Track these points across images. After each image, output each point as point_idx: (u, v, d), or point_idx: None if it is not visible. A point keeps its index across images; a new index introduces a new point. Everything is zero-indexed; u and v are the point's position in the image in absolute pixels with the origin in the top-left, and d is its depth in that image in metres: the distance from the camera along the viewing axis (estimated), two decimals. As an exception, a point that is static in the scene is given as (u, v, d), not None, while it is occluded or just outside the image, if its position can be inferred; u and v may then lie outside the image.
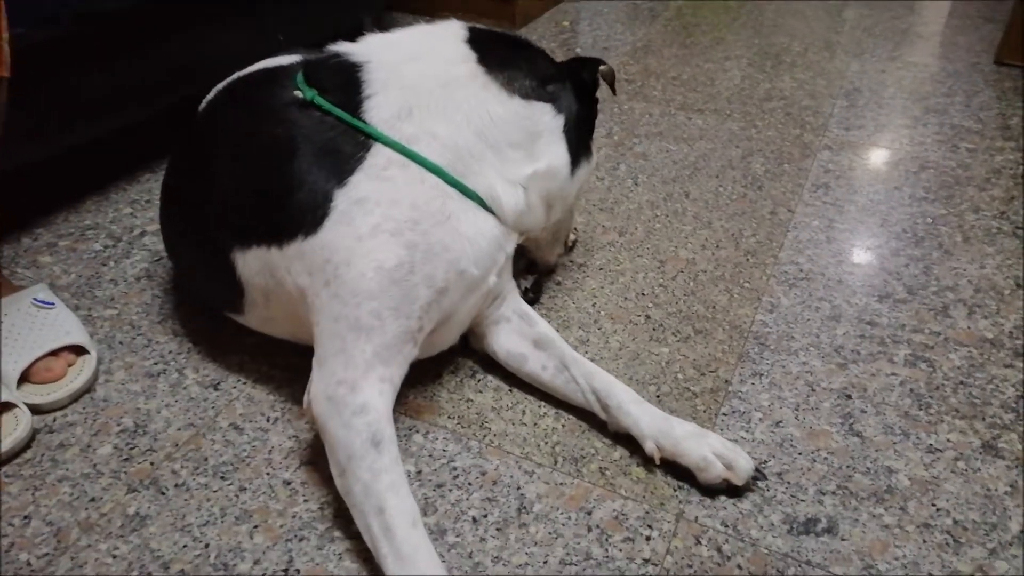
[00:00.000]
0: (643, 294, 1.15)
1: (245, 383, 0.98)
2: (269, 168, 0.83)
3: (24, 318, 0.98)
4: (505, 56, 0.91)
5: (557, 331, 0.99)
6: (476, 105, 0.86)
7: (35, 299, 1.01)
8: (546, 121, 0.92)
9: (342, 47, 0.90)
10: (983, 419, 0.94)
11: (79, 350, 0.98)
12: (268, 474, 0.86)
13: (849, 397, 0.97)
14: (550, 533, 0.80)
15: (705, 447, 0.83)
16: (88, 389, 0.96)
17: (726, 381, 0.99)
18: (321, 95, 0.83)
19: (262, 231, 0.84)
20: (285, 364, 0.99)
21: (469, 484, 0.85)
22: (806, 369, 1.01)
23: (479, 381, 0.99)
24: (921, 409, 0.95)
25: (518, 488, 0.85)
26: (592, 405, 0.90)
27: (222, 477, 0.86)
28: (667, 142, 1.57)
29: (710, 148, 1.55)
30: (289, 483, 0.85)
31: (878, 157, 1.51)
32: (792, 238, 1.27)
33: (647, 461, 0.86)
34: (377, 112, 0.82)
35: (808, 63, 1.93)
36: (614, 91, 1.04)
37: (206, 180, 0.91)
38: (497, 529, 0.80)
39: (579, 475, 0.86)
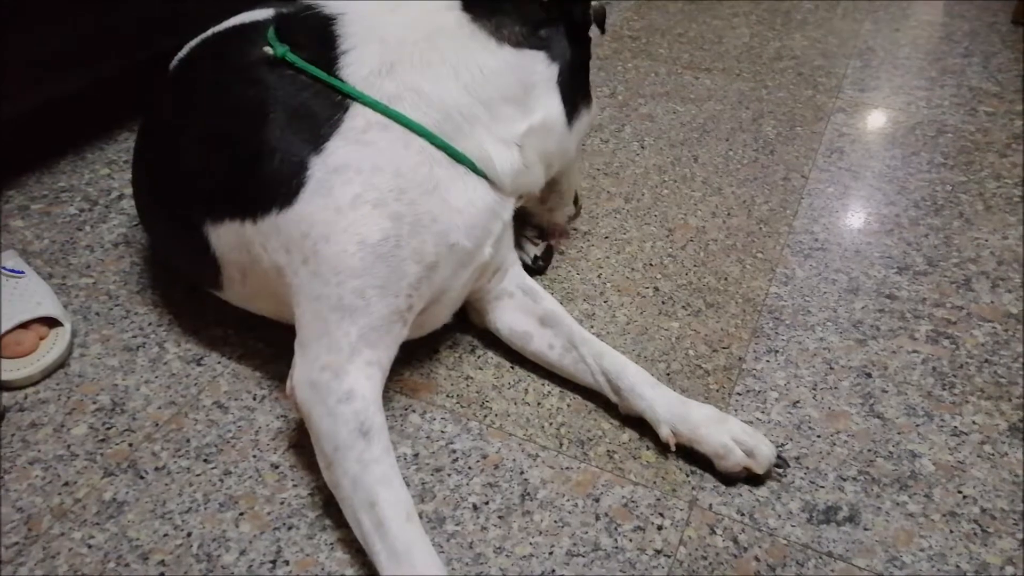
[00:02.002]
0: (651, 264, 1.09)
1: (230, 358, 0.92)
2: (239, 134, 0.76)
3: (-8, 287, 0.92)
4: (491, 1, 0.83)
5: (561, 300, 0.93)
6: (464, 57, 0.78)
7: (3, 267, 0.94)
8: (540, 71, 0.84)
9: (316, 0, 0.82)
10: (1009, 400, 0.89)
11: (52, 322, 0.92)
12: (255, 457, 0.81)
13: (869, 376, 0.92)
14: (556, 522, 0.75)
15: (724, 433, 0.78)
16: (62, 364, 0.90)
17: (740, 358, 0.94)
18: (293, 51, 0.76)
19: (234, 204, 0.77)
20: (272, 338, 0.93)
21: (469, 468, 0.80)
22: (823, 345, 0.96)
23: (479, 357, 0.93)
24: (945, 389, 0.90)
25: (521, 473, 0.80)
26: (602, 387, 0.84)
27: (205, 460, 0.80)
28: (674, 103, 1.50)
29: (719, 110, 1.48)
30: (277, 467, 0.80)
31: (894, 121, 1.45)
32: (806, 205, 1.21)
33: (658, 444, 0.82)
34: (355, 68, 0.75)
35: (819, 21, 1.85)
36: (603, 30, 0.95)
37: (175, 146, 0.84)
38: (499, 517, 0.75)
39: (586, 459, 0.81)
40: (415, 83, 0.76)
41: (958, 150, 1.36)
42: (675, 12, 1.88)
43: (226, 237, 0.80)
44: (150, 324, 0.97)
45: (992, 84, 1.58)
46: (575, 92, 0.90)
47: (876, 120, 1.45)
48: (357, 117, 0.74)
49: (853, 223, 1.18)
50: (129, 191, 1.21)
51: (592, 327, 0.98)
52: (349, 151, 0.72)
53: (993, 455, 0.82)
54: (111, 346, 0.93)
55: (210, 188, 0.79)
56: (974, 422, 0.86)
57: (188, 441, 0.82)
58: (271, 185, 0.73)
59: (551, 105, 0.85)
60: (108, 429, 0.83)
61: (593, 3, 0.92)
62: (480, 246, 0.81)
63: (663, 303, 1.02)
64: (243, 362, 0.92)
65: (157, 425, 0.84)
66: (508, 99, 0.81)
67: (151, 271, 1.05)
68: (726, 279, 1.06)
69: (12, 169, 1.24)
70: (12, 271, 0.94)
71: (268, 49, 0.76)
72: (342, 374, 0.71)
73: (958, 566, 0.72)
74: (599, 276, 1.07)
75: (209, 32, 0.92)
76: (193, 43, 0.93)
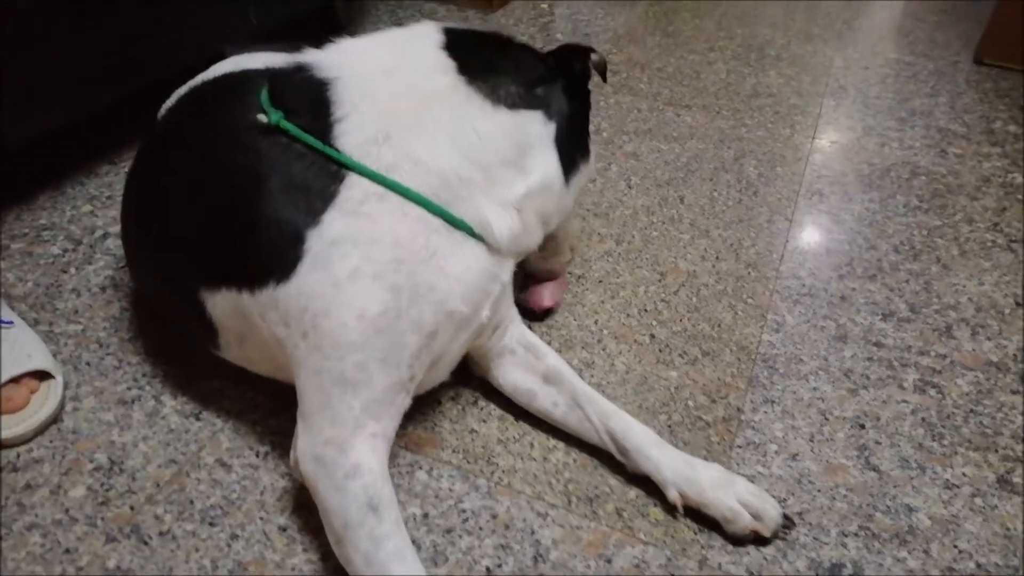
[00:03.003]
0: (646, 310, 1.10)
1: (229, 412, 0.91)
2: (233, 204, 0.75)
3: (-21, 340, 0.89)
4: (486, 61, 0.83)
5: (559, 351, 0.94)
6: (460, 122, 0.78)
7: (-8, 319, 0.91)
8: (537, 131, 0.84)
9: (309, 57, 0.81)
10: (996, 451, 0.92)
11: (42, 375, 0.89)
12: (262, 519, 0.79)
13: (863, 427, 0.95)
14: (570, 584, 0.75)
15: (731, 497, 0.79)
16: (55, 419, 0.88)
17: (738, 409, 0.96)
18: (288, 118, 0.75)
19: (231, 275, 0.76)
20: (272, 390, 0.92)
21: (480, 529, 0.80)
22: (817, 395, 0.98)
23: (482, 409, 0.93)
24: (935, 440, 0.94)
25: (532, 533, 0.80)
26: (608, 446, 0.85)
27: (211, 523, 0.79)
28: (657, 140, 1.52)
29: (701, 148, 1.50)
30: (285, 529, 0.79)
31: (869, 162, 1.49)
32: (792, 249, 1.24)
33: (665, 501, 0.83)
34: (350, 137, 0.74)
35: (792, 57, 1.90)
36: (605, 79, 0.95)
37: (166, 206, 0.83)
38: (513, 581, 0.75)
39: (595, 517, 0.82)
40: (412, 151, 0.75)
41: (932, 193, 1.41)
42: (653, 47, 1.91)
43: (223, 304, 0.79)
44: (144, 375, 0.95)
45: (959, 125, 1.64)
46: (573, 148, 0.90)
47: (852, 162, 1.49)
48: (354, 188, 0.73)
49: (837, 268, 1.21)
50: (114, 229, 1.18)
51: (592, 376, 0.99)
52: (346, 223, 0.72)
53: (984, 508, 0.86)
54: (105, 399, 0.91)
55: (206, 256, 0.78)
56: (964, 474, 0.90)
57: (192, 503, 0.80)
58: (268, 258, 0.73)
59: (549, 165, 0.85)
60: (108, 491, 0.81)
61: (593, 56, 0.92)
62: (478, 310, 0.81)
63: (660, 351, 1.04)
64: (243, 416, 0.90)
65: (158, 486, 0.82)
66: (505, 162, 0.81)
67: (141, 317, 1.03)
68: (719, 326, 1.08)
69: (-12, 205, 1.20)
70: (5, 323, 0.91)
71: (262, 117, 0.75)
72: (347, 448, 0.70)
73: (958, 622, 0.74)
74: (595, 322, 1.08)
75: (198, 80, 0.91)
76: (182, 91, 0.91)
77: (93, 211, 1.22)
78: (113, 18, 1.15)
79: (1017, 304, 1.16)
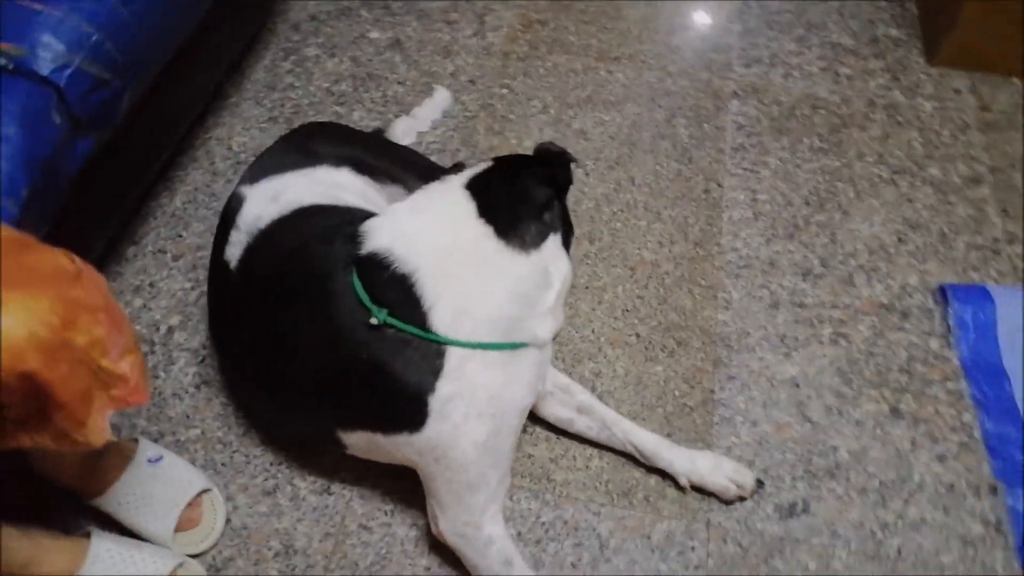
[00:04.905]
0: (627, 310, 1.41)
1: (350, 482, 1.20)
2: (366, 380, 0.99)
3: (147, 480, 1.13)
4: (508, 209, 1.04)
5: (572, 367, 1.26)
6: (508, 277, 1.02)
7: (148, 459, 1.15)
8: (552, 250, 1.08)
9: (384, 242, 1.01)
10: (888, 386, 1.32)
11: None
12: (410, 564, 1.13)
13: (798, 386, 1.32)
14: (628, 561, 1.14)
15: (721, 476, 1.17)
16: (226, 522, 1.16)
17: (711, 391, 1.31)
18: (391, 313, 0.98)
19: (368, 423, 1.03)
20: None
21: (559, 535, 1.16)
22: (764, 364, 1.34)
23: (531, 435, 1.26)
24: (846, 385, 1.32)
25: (594, 529, 1.17)
26: (632, 452, 1.20)
27: (377, 577, 1.12)
28: (598, 110, 1.72)
29: (637, 113, 1.72)
30: (429, 568, 1.13)
31: (777, 101, 1.74)
32: (727, 219, 1.54)
33: (676, 484, 1.19)
34: (440, 320, 0.98)
35: (697, -30, 2.03)
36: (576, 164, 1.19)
37: (296, 369, 1.06)
38: (592, 569, 1.13)
39: (631, 506, 1.19)
40: (484, 315, 1.00)
41: (830, 129, 1.69)
42: (570, -19, 2.01)
43: (357, 438, 1.06)
44: (271, 464, 1.22)
45: (848, 37, 1.88)
46: (568, 235, 1.15)
47: (765, 104, 1.74)
48: (452, 357, 0.98)
49: (764, 232, 1.52)
50: (174, 321, 1.37)
51: (602, 385, 1.31)
52: (454, 385, 0.98)
53: (883, 436, 1.26)
54: (252, 494, 1.19)
55: (345, 411, 1.04)
56: (868, 411, 1.29)
57: (357, 564, 1.13)
58: (400, 418, 1.00)
59: (564, 266, 1.11)
60: (294, 570, 1.12)
61: (572, 163, 1.15)
62: (538, 391, 1.11)
63: (646, 348, 1.36)
64: (362, 483, 1.20)
65: (327, 557, 1.14)
66: (539, 286, 1.06)
67: (238, 408, 1.27)
68: (684, 313, 1.41)
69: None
70: (154, 459, 1.15)
71: (373, 320, 0.98)
72: (480, 527, 1.03)
73: (871, 529, 1.17)
74: (593, 331, 1.38)
75: (288, 213, 1.12)
76: (272, 216, 1.13)
77: (145, 304, 1.40)
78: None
79: (900, 240, 1.51)
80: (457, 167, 1.17)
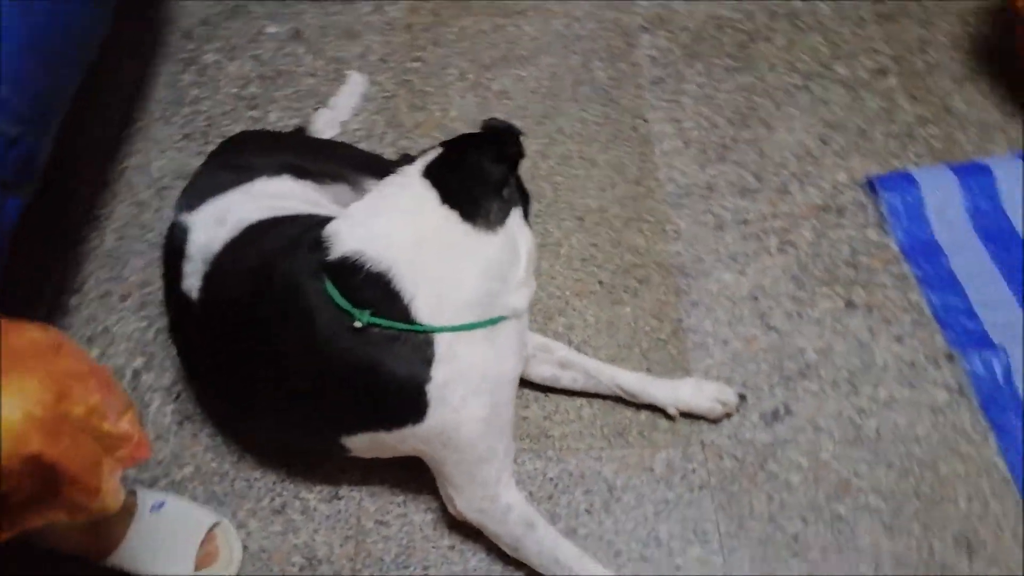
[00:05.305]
0: (584, 259, 1.44)
1: (356, 483, 1.22)
2: (357, 386, 1.00)
3: (156, 528, 1.12)
4: (469, 192, 1.05)
5: (545, 324, 1.30)
6: (480, 258, 1.04)
7: (151, 507, 1.14)
8: (515, 223, 1.10)
9: (352, 244, 1.01)
10: (838, 282, 1.40)
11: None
12: (434, 548, 1.16)
13: (756, 299, 1.38)
14: (637, 496, 1.19)
15: (705, 398, 1.23)
16: (243, 549, 1.17)
17: (679, 320, 1.36)
18: (373, 313, 0.98)
19: (370, 424, 1.04)
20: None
21: (568, 487, 1.21)
22: (722, 285, 1.40)
23: (521, 398, 1.29)
24: (800, 289, 1.39)
25: (599, 474, 1.21)
26: (619, 394, 1.25)
27: (404, 567, 1.15)
28: (514, 67, 1.73)
29: (553, 63, 1.73)
30: (453, 547, 1.16)
31: (683, 27, 1.78)
32: (659, 152, 1.58)
33: (666, 414, 1.25)
34: (423, 310, 0.99)
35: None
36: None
37: (267, 381, 1.06)
38: (605, 511, 1.18)
39: (629, 444, 1.24)
40: (462, 298, 1.01)
41: (738, 46, 1.74)
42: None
43: (360, 440, 1.07)
44: (274, 483, 1.22)
45: (736, -49, 1.91)
46: (526, 206, 1.17)
47: (673, 33, 1.77)
48: (441, 343, 1.00)
49: (697, 158, 1.56)
50: (137, 363, 1.34)
51: (577, 337, 1.35)
52: (447, 369, 1.00)
53: (842, 330, 1.34)
54: (262, 516, 1.20)
55: (344, 415, 1.05)
56: (825, 308, 1.37)
57: (382, 560, 1.15)
58: (401, 411, 1.01)
59: (528, 237, 1.13)
60: (324, 579, 1.14)
61: (520, 136, 1.16)
62: (525, 356, 1.14)
63: (610, 293, 1.40)
64: (369, 481, 1.22)
65: (351, 559, 1.16)
66: (510, 262, 1.08)
67: (226, 435, 1.26)
68: (639, 251, 1.45)
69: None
70: (157, 506, 1.14)
71: (357, 323, 0.98)
72: (498, 498, 1.06)
73: (850, 418, 1.25)
74: (557, 287, 1.41)
75: (256, 227, 1.11)
76: (243, 230, 1.11)
77: (103, 352, 1.36)
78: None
79: (823, 142, 1.58)
80: (406, 158, 1.17)
